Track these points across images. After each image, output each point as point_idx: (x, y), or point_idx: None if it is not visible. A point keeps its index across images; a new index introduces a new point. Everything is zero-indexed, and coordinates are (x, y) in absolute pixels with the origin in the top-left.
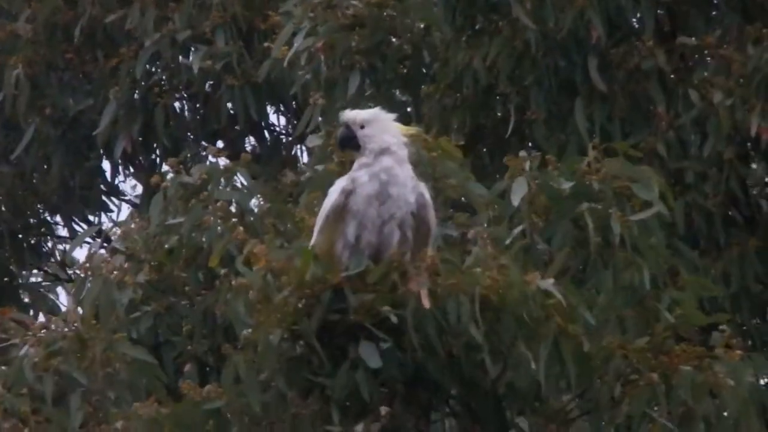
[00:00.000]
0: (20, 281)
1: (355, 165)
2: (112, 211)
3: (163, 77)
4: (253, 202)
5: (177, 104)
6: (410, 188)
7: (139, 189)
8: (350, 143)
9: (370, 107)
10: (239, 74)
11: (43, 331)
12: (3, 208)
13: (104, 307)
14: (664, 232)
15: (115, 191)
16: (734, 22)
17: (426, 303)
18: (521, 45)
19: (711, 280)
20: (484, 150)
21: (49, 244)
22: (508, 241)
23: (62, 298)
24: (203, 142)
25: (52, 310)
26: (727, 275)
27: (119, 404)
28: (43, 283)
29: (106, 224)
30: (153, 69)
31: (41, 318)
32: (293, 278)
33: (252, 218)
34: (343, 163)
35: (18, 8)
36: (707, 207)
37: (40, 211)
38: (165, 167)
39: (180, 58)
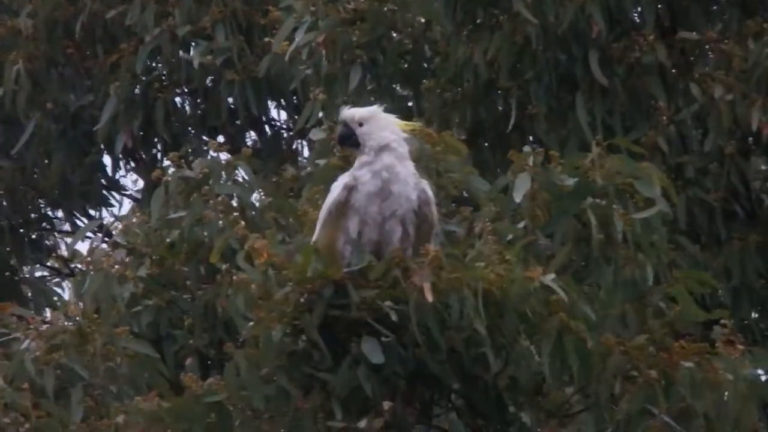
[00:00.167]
0: (22, 276)
1: (357, 163)
2: (113, 205)
3: (164, 72)
4: (254, 196)
5: (177, 99)
6: (412, 185)
7: (141, 184)
8: (349, 141)
9: (371, 102)
10: (239, 69)
11: (44, 326)
12: (4, 203)
13: (105, 301)
14: (665, 228)
15: (116, 186)
16: (735, 16)
17: (429, 297)
18: (522, 39)
19: (712, 275)
20: (485, 145)
21: (50, 239)
22: (510, 237)
23: (66, 292)
24: (204, 137)
25: (54, 304)
26: (727, 270)
27: (120, 398)
28: (45, 278)
29: (107, 219)
30: (153, 64)
31: (46, 313)
32: (295, 274)
33: (253, 213)
34: (345, 158)
35: (19, 4)
36: (708, 201)
37: (41, 206)
38: (166, 162)
39: (180, 53)
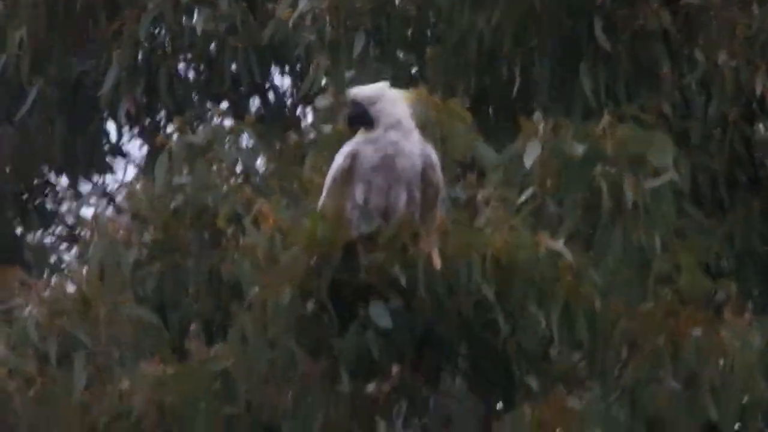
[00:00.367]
0: (25, 241)
1: (360, 135)
2: (116, 172)
3: (167, 39)
4: (259, 162)
5: (181, 66)
6: (417, 155)
7: (146, 150)
8: (362, 120)
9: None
10: (243, 36)
11: (46, 292)
12: (7, 170)
13: (110, 267)
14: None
15: (120, 152)
16: None
17: (437, 263)
18: (526, 6)
19: (716, 242)
20: (489, 112)
21: (54, 206)
22: (519, 203)
23: (70, 259)
24: (207, 104)
25: (58, 270)
26: (731, 236)
27: (123, 364)
28: (49, 244)
29: (111, 185)
30: (156, 31)
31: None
32: (303, 237)
33: (257, 178)
34: None
35: None
36: (712, 168)
37: (44, 172)
38: (169, 128)
39: (183, 19)
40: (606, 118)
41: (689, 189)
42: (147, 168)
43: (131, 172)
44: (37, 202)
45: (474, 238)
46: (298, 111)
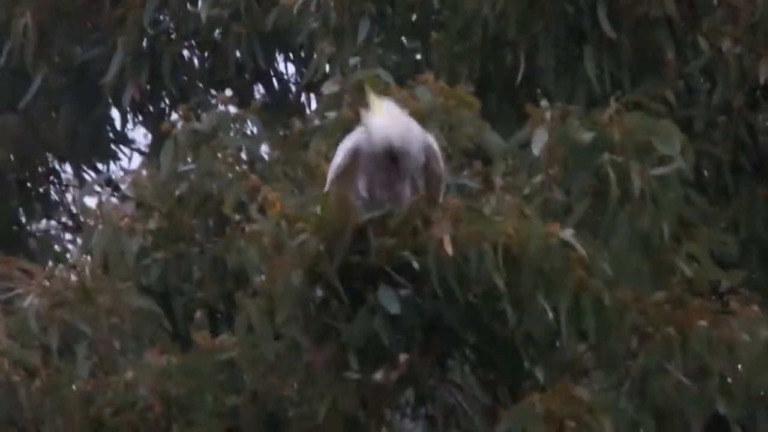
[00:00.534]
0: (29, 229)
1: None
2: (120, 159)
3: (171, 25)
4: (264, 149)
5: (185, 52)
6: (420, 150)
7: (150, 138)
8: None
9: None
10: (247, 22)
11: (47, 281)
12: (11, 157)
13: (114, 255)
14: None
15: (124, 139)
16: None
17: (448, 249)
18: None
19: (720, 229)
20: (494, 98)
21: (58, 194)
22: (527, 191)
23: (73, 247)
24: (211, 91)
25: (61, 259)
26: (736, 223)
27: (125, 354)
28: (53, 232)
29: (115, 173)
30: (161, 17)
31: (54, 268)
32: (312, 222)
33: (262, 165)
34: (357, 111)
35: None
36: (716, 154)
37: (49, 159)
38: (174, 115)
39: (188, 6)
40: (613, 106)
41: (693, 176)
42: (152, 155)
43: (136, 159)
44: (41, 190)
45: (486, 225)
46: (303, 98)
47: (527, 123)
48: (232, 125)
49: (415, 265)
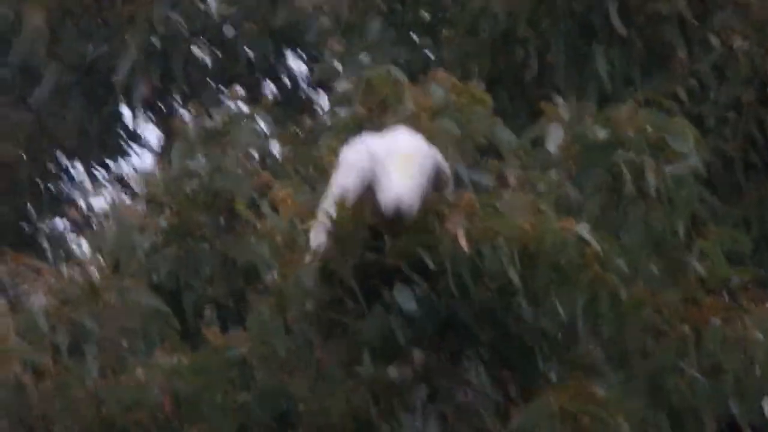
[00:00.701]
0: (38, 227)
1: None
2: (130, 156)
3: (182, 23)
4: (274, 146)
5: (196, 50)
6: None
7: (161, 134)
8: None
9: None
10: (257, 19)
11: (53, 280)
12: (22, 154)
13: (124, 252)
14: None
15: (134, 137)
16: None
17: (464, 244)
18: None
19: (731, 226)
20: (504, 94)
21: (69, 191)
22: (541, 188)
23: (84, 245)
24: (222, 88)
25: (71, 256)
26: (747, 220)
27: (133, 353)
28: (63, 230)
29: (126, 170)
30: (171, 15)
31: (63, 267)
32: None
33: (272, 162)
34: (369, 108)
35: None
36: (727, 151)
37: (59, 157)
38: (185, 112)
39: (198, 3)
40: (629, 103)
41: (704, 173)
42: (163, 153)
43: (146, 156)
44: (51, 187)
45: (501, 221)
46: (313, 95)
47: (540, 119)
48: (242, 122)
49: (430, 263)
